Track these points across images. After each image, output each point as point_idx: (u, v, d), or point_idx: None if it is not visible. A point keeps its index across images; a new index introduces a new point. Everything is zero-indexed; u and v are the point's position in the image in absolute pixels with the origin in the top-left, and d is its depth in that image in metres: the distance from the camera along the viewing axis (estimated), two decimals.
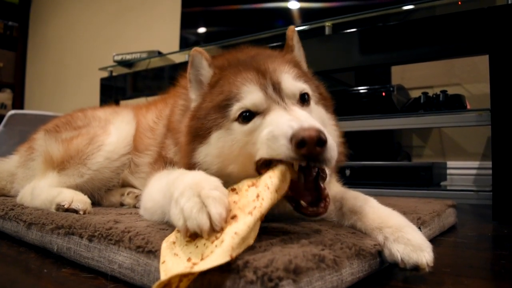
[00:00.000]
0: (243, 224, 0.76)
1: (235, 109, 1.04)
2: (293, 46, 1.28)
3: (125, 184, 1.68)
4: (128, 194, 1.64)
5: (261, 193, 0.85)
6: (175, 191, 0.86)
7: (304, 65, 1.30)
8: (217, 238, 0.74)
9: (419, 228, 1.13)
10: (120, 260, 0.93)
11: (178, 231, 0.83)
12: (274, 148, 0.92)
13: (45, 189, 1.46)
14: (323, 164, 0.91)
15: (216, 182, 0.87)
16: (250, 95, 1.03)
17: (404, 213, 1.09)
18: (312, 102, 1.11)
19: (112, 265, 0.94)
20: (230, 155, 1.05)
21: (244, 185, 0.91)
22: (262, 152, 0.96)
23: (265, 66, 1.09)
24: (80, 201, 1.35)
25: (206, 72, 1.18)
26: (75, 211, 1.31)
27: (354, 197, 1.18)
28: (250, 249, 0.80)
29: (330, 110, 1.22)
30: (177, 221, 0.80)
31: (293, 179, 0.94)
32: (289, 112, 0.99)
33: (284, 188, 0.91)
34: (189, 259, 0.72)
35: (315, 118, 1.02)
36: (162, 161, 1.31)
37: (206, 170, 1.08)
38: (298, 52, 1.30)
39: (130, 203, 1.62)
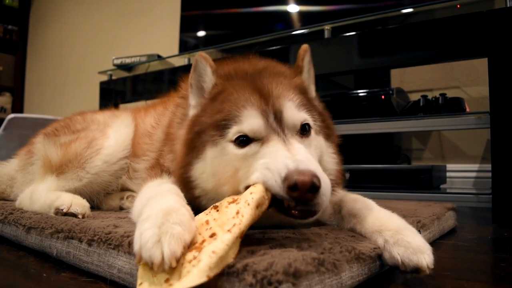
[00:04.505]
0: (221, 243, 0.74)
1: (233, 132, 1.02)
2: (302, 67, 1.25)
3: (124, 189, 1.67)
4: (127, 198, 1.63)
5: (241, 210, 0.83)
6: (144, 213, 0.85)
7: (312, 89, 1.28)
8: (194, 258, 0.72)
9: (419, 231, 1.13)
10: (120, 264, 0.93)
11: None
12: (267, 182, 0.91)
13: (44, 193, 1.46)
14: (313, 208, 0.90)
15: (184, 216, 0.82)
16: (250, 120, 1.02)
17: (404, 216, 1.08)
18: (312, 132, 1.10)
19: (112, 270, 0.94)
20: (224, 174, 1.04)
21: (225, 201, 0.90)
22: (256, 177, 0.94)
23: (269, 89, 1.07)
24: (79, 205, 1.34)
25: (209, 79, 1.17)
26: (74, 215, 1.30)
27: (353, 200, 1.18)
28: (249, 252, 0.80)
29: (331, 139, 1.20)
30: (134, 242, 0.78)
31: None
32: (288, 147, 0.97)
33: (266, 204, 0.89)
34: (167, 280, 0.71)
35: (314, 149, 1.07)
36: (159, 169, 1.31)
37: (201, 184, 1.08)
38: (308, 74, 1.26)
39: (130, 207, 1.61)
